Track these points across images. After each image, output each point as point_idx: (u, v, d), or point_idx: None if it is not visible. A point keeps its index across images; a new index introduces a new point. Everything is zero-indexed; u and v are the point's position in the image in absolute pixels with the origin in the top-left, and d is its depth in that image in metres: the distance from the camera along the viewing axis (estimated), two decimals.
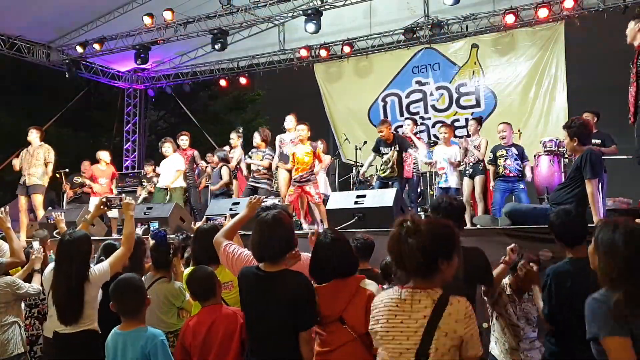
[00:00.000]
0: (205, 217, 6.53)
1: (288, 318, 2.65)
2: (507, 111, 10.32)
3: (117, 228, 8.15)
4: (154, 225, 6.41)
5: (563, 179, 6.22)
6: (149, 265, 4.13)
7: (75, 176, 10.29)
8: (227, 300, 3.26)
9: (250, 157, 8.16)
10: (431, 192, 8.39)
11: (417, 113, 11.31)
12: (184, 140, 9.06)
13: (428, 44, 11.31)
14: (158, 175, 9.00)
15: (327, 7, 10.10)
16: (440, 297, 2.08)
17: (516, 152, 7.19)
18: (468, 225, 6.05)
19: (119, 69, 13.75)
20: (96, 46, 11.55)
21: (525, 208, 5.18)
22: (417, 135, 8.71)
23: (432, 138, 10.68)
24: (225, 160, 8.48)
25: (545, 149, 6.82)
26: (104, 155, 9.27)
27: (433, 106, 11.35)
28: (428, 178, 8.75)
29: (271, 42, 12.41)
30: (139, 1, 10.97)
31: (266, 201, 5.50)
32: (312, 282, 2.86)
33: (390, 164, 7.39)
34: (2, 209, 4.47)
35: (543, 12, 9.82)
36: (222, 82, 13.60)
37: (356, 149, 9.19)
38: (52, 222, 5.39)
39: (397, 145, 7.40)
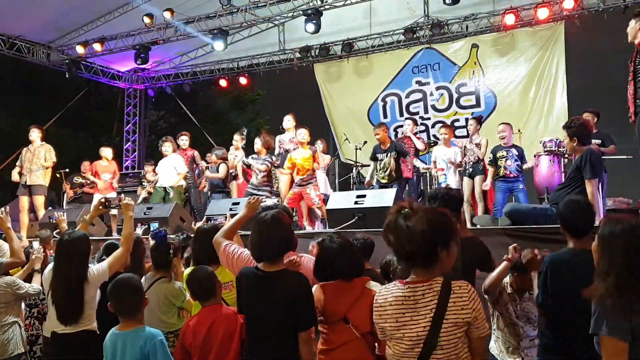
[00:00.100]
0: (205, 217, 6.54)
1: (287, 318, 2.66)
2: (507, 111, 10.32)
3: (117, 228, 8.15)
4: (154, 225, 6.41)
5: (563, 179, 6.22)
6: (149, 265, 4.13)
7: (75, 176, 10.30)
8: (227, 300, 3.26)
9: (249, 164, 8.16)
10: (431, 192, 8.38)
11: (417, 113, 11.31)
12: (184, 140, 9.07)
13: (428, 44, 11.31)
14: (156, 174, 8.99)
15: (327, 7, 10.11)
16: (442, 287, 2.08)
17: (516, 153, 7.20)
18: (468, 225, 6.05)
19: (119, 69, 13.75)
20: (96, 46, 11.55)
21: (525, 208, 5.18)
22: (417, 136, 8.71)
23: (432, 138, 10.68)
24: (223, 158, 8.50)
25: (545, 149, 6.82)
26: (106, 152, 9.35)
27: (433, 106, 11.35)
28: (428, 178, 8.76)
29: (271, 42, 12.41)
30: (139, 1, 10.97)
31: (265, 201, 5.52)
32: (317, 280, 2.87)
33: (388, 171, 7.41)
34: (3, 209, 4.47)
35: (543, 12, 9.83)
36: (222, 82, 13.60)
37: (356, 149, 9.19)
38: (54, 221, 5.41)
39: (393, 152, 7.43)
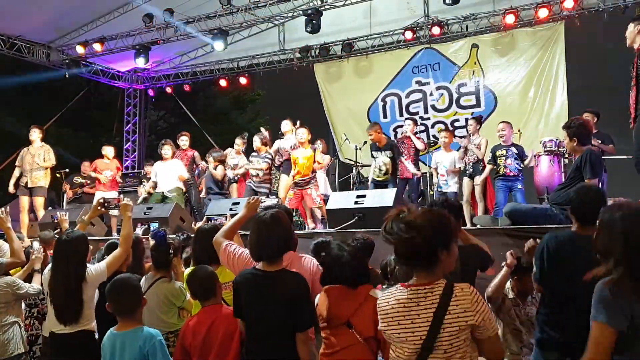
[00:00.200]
0: (205, 217, 6.54)
1: (287, 318, 2.66)
2: (507, 111, 10.32)
3: (117, 228, 8.16)
4: (154, 225, 6.41)
5: (563, 179, 6.22)
6: (149, 265, 4.14)
7: (75, 176, 10.30)
8: (227, 300, 3.25)
9: (251, 163, 8.20)
10: (431, 192, 8.40)
11: (417, 113, 11.31)
12: (184, 140, 9.08)
13: (428, 44, 11.31)
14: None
15: (327, 7, 10.10)
16: (444, 290, 2.08)
17: (516, 152, 7.20)
18: (468, 225, 6.05)
19: (119, 69, 13.74)
20: (96, 46, 11.54)
21: (525, 208, 5.18)
22: (417, 135, 8.72)
23: (431, 138, 10.68)
24: (221, 160, 8.52)
25: (545, 149, 6.83)
26: (108, 150, 9.46)
27: (433, 106, 11.34)
28: (428, 178, 8.76)
29: (271, 42, 12.40)
30: (139, 1, 10.97)
31: (265, 201, 5.53)
32: (322, 284, 2.89)
33: (384, 170, 7.44)
34: (3, 209, 4.47)
35: (543, 12, 9.83)
36: (222, 82, 13.61)
37: (356, 149, 9.19)
38: (56, 220, 5.43)
39: (389, 152, 7.47)
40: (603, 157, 5.82)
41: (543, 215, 4.61)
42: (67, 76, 12.37)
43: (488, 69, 10.87)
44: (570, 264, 2.70)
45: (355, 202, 5.71)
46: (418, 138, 8.50)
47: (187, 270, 3.70)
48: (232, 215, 4.63)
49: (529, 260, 3.35)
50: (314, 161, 7.22)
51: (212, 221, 5.65)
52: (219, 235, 3.25)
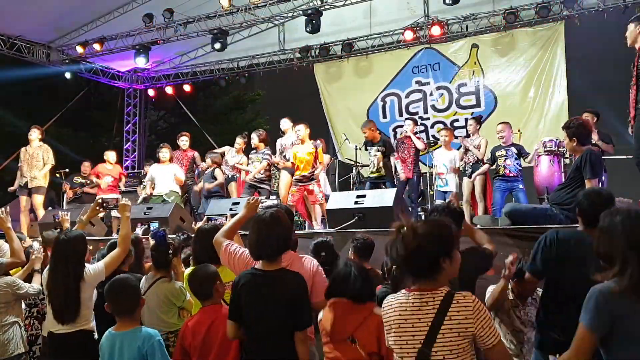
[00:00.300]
0: (205, 217, 6.54)
1: (287, 318, 2.66)
2: (507, 111, 10.32)
3: (117, 228, 8.15)
4: (154, 225, 6.41)
5: (563, 179, 6.22)
6: (149, 265, 4.14)
7: (75, 176, 10.30)
8: (228, 300, 3.25)
9: (250, 160, 8.22)
10: (431, 192, 8.40)
11: (416, 113, 11.31)
12: (184, 141, 9.08)
13: (428, 44, 11.31)
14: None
15: (327, 7, 10.10)
16: (445, 295, 2.09)
17: (516, 152, 7.20)
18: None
19: (119, 69, 13.75)
20: (96, 46, 11.54)
21: (525, 208, 5.17)
22: (417, 135, 8.72)
23: (431, 139, 10.68)
24: (217, 162, 8.54)
25: (545, 149, 6.83)
26: (110, 156, 9.51)
27: (433, 106, 11.35)
28: (428, 178, 8.76)
29: (271, 42, 12.41)
30: (139, 1, 10.97)
31: (265, 201, 5.53)
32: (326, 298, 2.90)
33: (376, 165, 7.50)
34: (3, 209, 4.47)
35: (543, 12, 9.83)
36: (222, 82, 13.61)
37: (356, 149, 9.19)
38: (58, 220, 5.43)
39: (381, 147, 7.62)
40: (603, 157, 5.82)
41: (543, 215, 4.61)
42: (67, 77, 12.36)
43: (488, 69, 10.87)
44: (574, 260, 2.71)
45: (355, 202, 5.70)
46: (418, 138, 8.50)
47: (187, 270, 3.71)
48: (232, 215, 4.63)
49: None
50: (316, 157, 7.23)
51: (212, 221, 5.65)
52: (219, 235, 3.25)
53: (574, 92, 10.14)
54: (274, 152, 8.37)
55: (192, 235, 4.20)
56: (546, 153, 6.80)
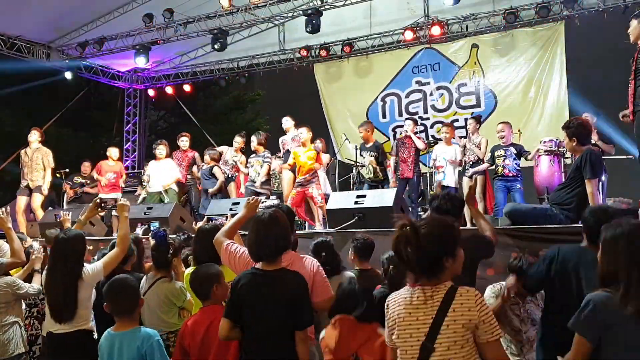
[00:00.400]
0: (206, 217, 6.53)
1: (287, 318, 2.66)
2: (507, 111, 10.32)
3: (117, 228, 8.16)
4: (154, 225, 6.40)
5: (563, 179, 6.21)
6: (149, 265, 4.14)
7: (75, 176, 10.30)
8: None
9: (250, 164, 8.24)
10: (432, 192, 8.40)
11: (416, 113, 11.31)
12: (184, 141, 9.08)
13: (428, 44, 11.31)
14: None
15: (327, 7, 10.10)
16: (448, 289, 2.12)
17: (515, 152, 7.21)
18: (468, 225, 6.05)
19: (119, 69, 13.75)
20: (96, 46, 11.55)
21: (525, 208, 5.16)
22: (417, 135, 8.71)
23: (430, 139, 10.68)
24: (215, 159, 8.54)
25: (545, 149, 6.83)
26: (113, 152, 9.51)
27: (433, 106, 11.35)
28: (428, 178, 8.76)
29: (271, 42, 12.41)
30: (139, 1, 10.97)
31: (265, 202, 5.52)
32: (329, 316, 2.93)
33: (372, 169, 7.70)
34: (3, 209, 4.47)
35: (543, 12, 9.83)
36: (222, 82, 13.60)
37: (356, 149, 9.19)
38: (59, 220, 5.44)
39: (374, 152, 7.75)
40: (603, 157, 5.82)
41: (543, 215, 4.60)
42: (68, 77, 12.36)
43: (488, 69, 10.88)
44: (574, 277, 2.74)
45: (355, 202, 5.70)
46: (419, 138, 8.50)
47: (188, 270, 3.71)
48: (232, 215, 4.63)
49: (531, 262, 3.35)
50: (315, 160, 7.24)
51: (213, 221, 5.65)
52: (219, 234, 3.25)
53: (574, 92, 10.15)
54: (273, 153, 8.40)
55: (193, 235, 4.20)
56: (546, 153, 6.80)
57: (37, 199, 8.16)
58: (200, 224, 5.18)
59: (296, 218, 7.26)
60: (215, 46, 10.80)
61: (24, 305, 4.58)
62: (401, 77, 11.67)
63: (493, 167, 7.35)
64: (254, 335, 2.73)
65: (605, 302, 2.04)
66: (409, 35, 10.92)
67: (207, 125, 15.87)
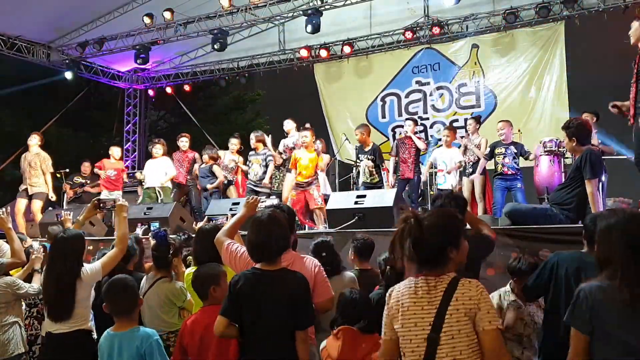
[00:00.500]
0: (206, 217, 6.53)
1: (287, 318, 2.66)
2: (507, 111, 10.32)
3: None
4: (155, 225, 6.40)
5: (563, 179, 6.22)
6: (149, 265, 4.14)
7: (75, 176, 10.30)
8: None
9: (249, 163, 8.23)
10: (431, 193, 8.41)
11: (416, 113, 11.31)
12: (184, 142, 9.08)
13: (428, 44, 11.31)
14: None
15: (327, 7, 10.10)
16: (452, 279, 2.14)
17: (515, 151, 7.21)
18: (468, 226, 6.06)
19: (119, 69, 13.74)
20: (96, 46, 11.55)
21: (525, 208, 5.17)
22: (417, 135, 8.72)
23: (430, 139, 10.68)
24: (214, 158, 8.55)
25: (545, 149, 6.84)
26: (115, 151, 9.63)
27: (432, 106, 11.35)
28: (428, 178, 8.76)
29: (271, 42, 12.40)
30: (139, 1, 10.97)
31: (265, 201, 5.52)
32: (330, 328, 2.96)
33: (369, 173, 7.72)
34: (3, 209, 4.48)
35: (543, 12, 9.83)
36: (222, 82, 13.61)
37: (356, 149, 9.20)
38: (60, 219, 5.44)
39: (371, 156, 7.77)
40: (603, 157, 5.82)
41: (543, 215, 4.61)
42: (68, 77, 12.36)
43: (488, 69, 10.88)
44: (573, 281, 2.76)
45: (355, 202, 5.70)
46: (419, 138, 8.51)
47: (188, 270, 3.71)
48: (233, 216, 4.63)
49: (530, 262, 3.35)
50: (317, 164, 7.28)
51: (213, 221, 5.65)
52: (220, 234, 3.25)
53: (574, 92, 10.14)
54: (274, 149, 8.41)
55: (193, 235, 4.20)
56: (546, 153, 6.81)
57: (37, 204, 8.17)
58: (200, 224, 5.18)
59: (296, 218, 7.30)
60: (215, 46, 10.80)
61: (24, 305, 4.58)
62: (401, 77, 11.67)
63: (492, 161, 7.35)
64: (253, 335, 2.72)
65: (595, 290, 2.04)
66: (409, 35, 10.92)
67: (207, 125, 15.86)
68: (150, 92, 14.46)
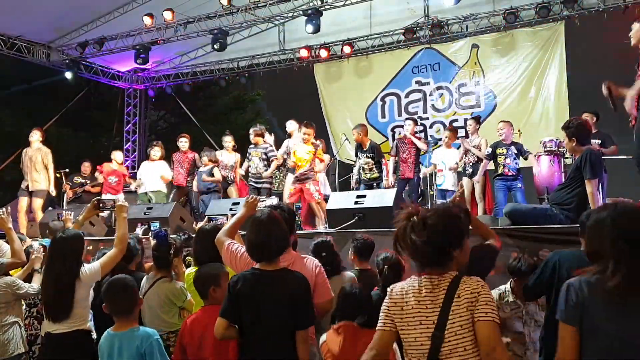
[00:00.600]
0: (206, 217, 6.54)
1: (288, 318, 2.66)
2: (507, 111, 10.32)
3: None
4: (155, 225, 6.41)
5: (563, 179, 6.22)
6: (150, 265, 4.14)
7: (75, 176, 10.30)
8: None
9: (249, 156, 8.25)
10: (431, 193, 8.40)
11: (416, 113, 11.31)
12: (183, 142, 9.08)
13: (428, 44, 11.31)
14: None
15: (327, 7, 10.10)
16: (454, 277, 2.15)
17: (515, 151, 7.21)
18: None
19: (119, 69, 13.75)
20: (96, 46, 11.55)
21: (525, 208, 5.18)
22: (417, 135, 8.72)
23: (429, 139, 10.67)
24: (213, 160, 8.57)
25: (545, 149, 6.83)
26: (117, 156, 9.67)
27: (432, 106, 11.36)
28: (428, 178, 8.75)
29: (271, 42, 12.40)
30: (139, 1, 10.98)
31: (265, 201, 5.53)
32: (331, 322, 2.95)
33: (367, 169, 7.80)
34: (4, 209, 4.48)
35: (543, 12, 9.84)
36: (222, 82, 13.61)
37: (355, 149, 9.20)
38: (61, 219, 5.44)
39: (370, 154, 7.80)
40: (603, 157, 5.82)
41: (543, 215, 4.61)
42: (68, 77, 12.37)
43: (488, 69, 10.88)
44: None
45: (355, 202, 5.71)
46: (419, 138, 8.51)
47: (188, 271, 3.71)
48: (233, 216, 4.63)
49: (530, 262, 3.35)
50: (314, 156, 7.27)
51: (213, 221, 5.65)
52: (220, 234, 3.25)
53: (574, 92, 10.13)
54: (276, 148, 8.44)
55: (193, 235, 4.21)
56: (546, 153, 6.81)
57: (38, 202, 8.18)
58: (200, 224, 5.18)
59: (296, 219, 7.31)
60: (215, 46, 10.80)
61: (24, 305, 4.58)
62: (401, 77, 11.67)
63: (493, 164, 7.35)
64: (254, 335, 2.72)
65: (583, 285, 2.03)
66: (409, 35, 10.92)
67: (207, 125, 15.86)
68: (150, 92, 14.46)
